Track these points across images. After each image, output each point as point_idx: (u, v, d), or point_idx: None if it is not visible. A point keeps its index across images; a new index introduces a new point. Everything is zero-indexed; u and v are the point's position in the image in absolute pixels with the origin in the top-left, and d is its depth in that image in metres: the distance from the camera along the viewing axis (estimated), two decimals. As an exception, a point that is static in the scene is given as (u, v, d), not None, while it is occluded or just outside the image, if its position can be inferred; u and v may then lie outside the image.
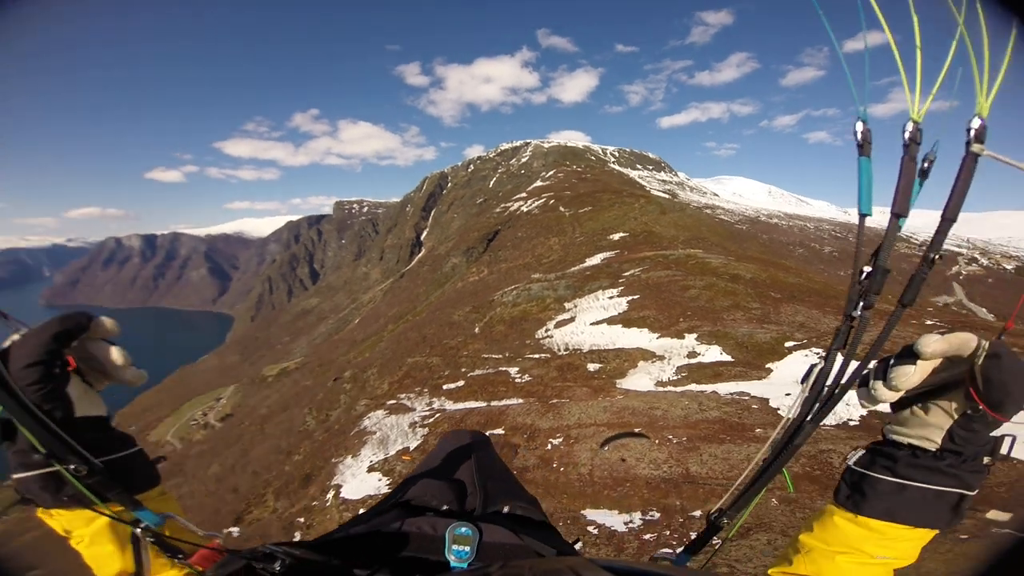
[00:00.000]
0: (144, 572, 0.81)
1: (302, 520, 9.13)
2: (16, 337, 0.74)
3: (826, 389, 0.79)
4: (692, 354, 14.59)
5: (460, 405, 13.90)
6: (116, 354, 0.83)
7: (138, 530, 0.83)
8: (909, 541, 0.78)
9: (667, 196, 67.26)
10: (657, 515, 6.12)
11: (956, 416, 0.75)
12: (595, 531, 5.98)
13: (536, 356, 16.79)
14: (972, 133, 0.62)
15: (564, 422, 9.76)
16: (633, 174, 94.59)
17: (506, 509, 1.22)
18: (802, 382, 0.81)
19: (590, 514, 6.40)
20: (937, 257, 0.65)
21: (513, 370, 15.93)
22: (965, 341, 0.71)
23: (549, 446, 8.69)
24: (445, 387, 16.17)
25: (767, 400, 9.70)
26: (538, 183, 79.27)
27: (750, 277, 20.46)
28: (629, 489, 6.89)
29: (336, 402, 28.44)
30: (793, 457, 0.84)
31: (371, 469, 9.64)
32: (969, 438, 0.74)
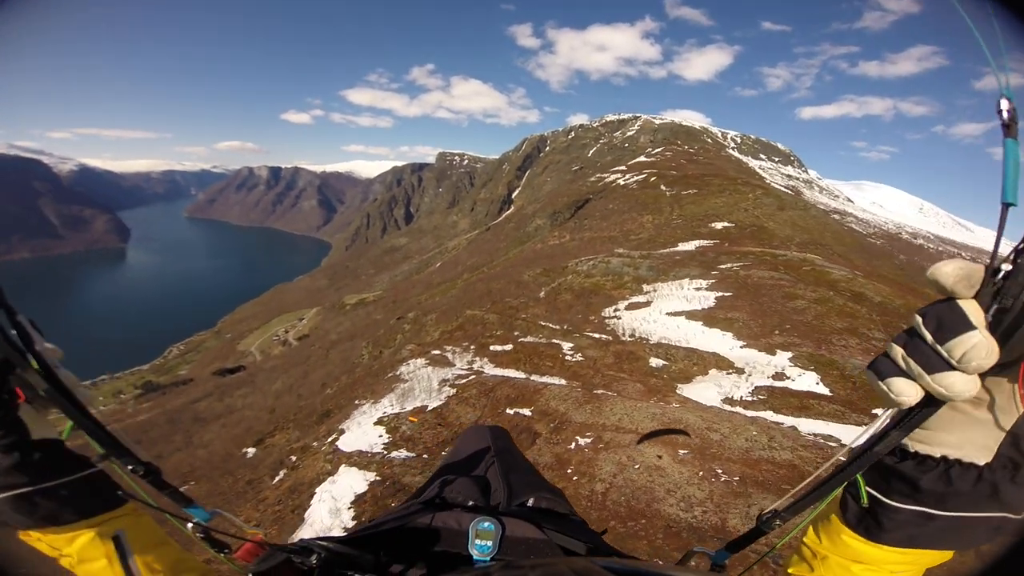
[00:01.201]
0: (132, 570, 0.78)
1: (294, 459, 8.55)
2: None
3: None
4: (779, 375, 11.96)
5: (499, 371, 12.66)
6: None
7: (189, 525, 0.85)
8: (939, 555, 0.66)
9: (789, 192, 59.24)
10: None
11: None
12: None
13: (596, 336, 14.97)
14: None
15: (601, 420, 8.09)
16: (753, 164, 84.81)
17: (531, 502, 1.22)
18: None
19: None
20: None
21: (567, 345, 14.32)
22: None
23: (573, 445, 7.12)
24: (492, 348, 15.04)
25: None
26: (641, 158, 74.09)
27: (879, 300, 16.55)
28: (642, 527, 5.19)
29: (392, 341, 28.87)
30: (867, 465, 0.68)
31: (379, 422, 8.75)
32: None
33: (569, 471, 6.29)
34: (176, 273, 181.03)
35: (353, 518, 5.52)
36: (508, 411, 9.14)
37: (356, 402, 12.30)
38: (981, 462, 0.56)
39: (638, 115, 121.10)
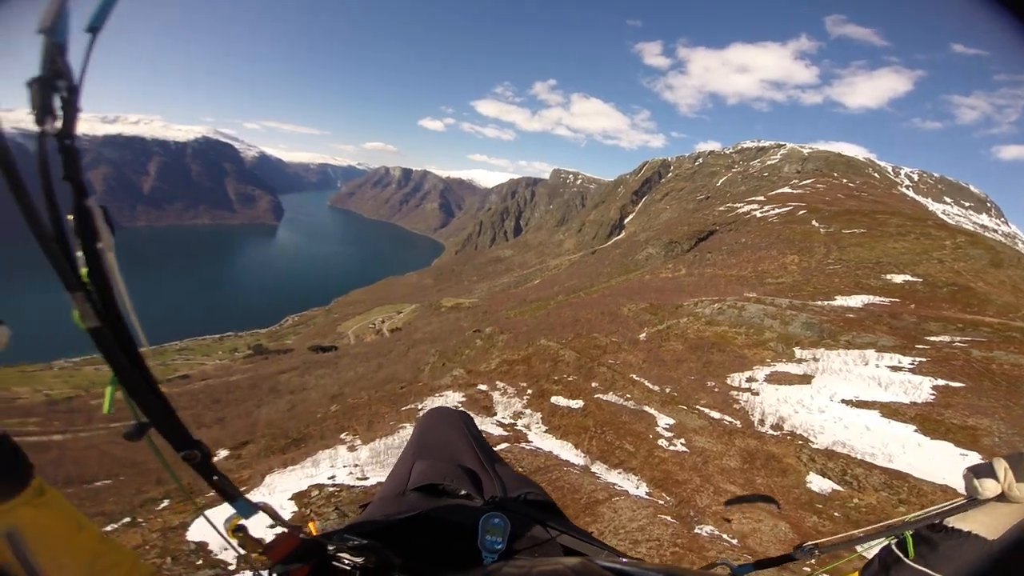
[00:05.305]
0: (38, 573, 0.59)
1: (162, 505, 4.94)
2: None
3: None
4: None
5: (548, 442, 8.20)
6: None
7: (225, 520, 0.78)
8: None
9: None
10: None
11: None
12: None
13: (714, 415, 9.73)
14: None
15: None
16: (935, 207, 68.68)
17: (523, 497, 1.21)
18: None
19: None
20: None
21: (664, 421, 9.35)
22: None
23: None
24: (554, 400, 10.60)
25: None
26: (786, 189, 63.63)
27: None
28: None
29: (460, 355, 25.63)
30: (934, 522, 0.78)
31: (300, 495, 4.91)
32: None
33: None
34: (310, 253, 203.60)
35: None
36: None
37: (342, 436, 8.72)
38: (990, 538, 0.71)
39: (782, 143, 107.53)
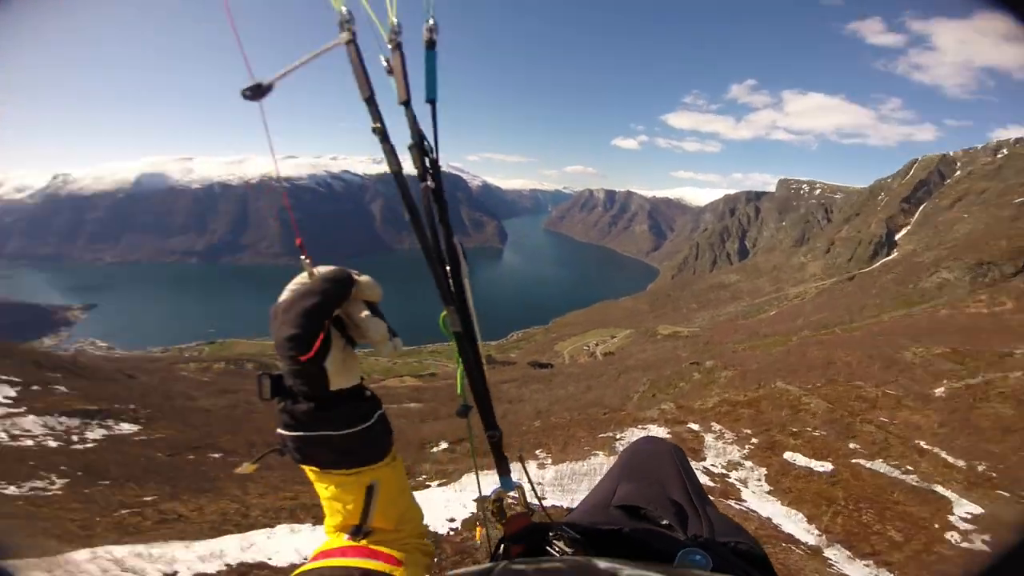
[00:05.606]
0: (367, 524, 0.79)
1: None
2: (287, 294, 0.65)
3: None
4: None
5: (764, 508, 6.80)
6: (375, 328, 0.71)
7: (492, 491, 1.01)
8: None
9: None
10: None
11: None
12: None
13: (1064, 523, 6.47)
14: None
15: None
16: None
17: (733, 545, 1.12)
18: None
19: None
20: None
21: (965, 509, 6.81)
22: None
23: None
24: (787, 456, 8.85)
25: None
26: None
27: None
28: None
29: (672, 387, 23.83)
30: None
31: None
32: None
33: None
34: (531, 273, 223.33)
35: None
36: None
37: (537, 452, 9.08)
38: None
39: None
